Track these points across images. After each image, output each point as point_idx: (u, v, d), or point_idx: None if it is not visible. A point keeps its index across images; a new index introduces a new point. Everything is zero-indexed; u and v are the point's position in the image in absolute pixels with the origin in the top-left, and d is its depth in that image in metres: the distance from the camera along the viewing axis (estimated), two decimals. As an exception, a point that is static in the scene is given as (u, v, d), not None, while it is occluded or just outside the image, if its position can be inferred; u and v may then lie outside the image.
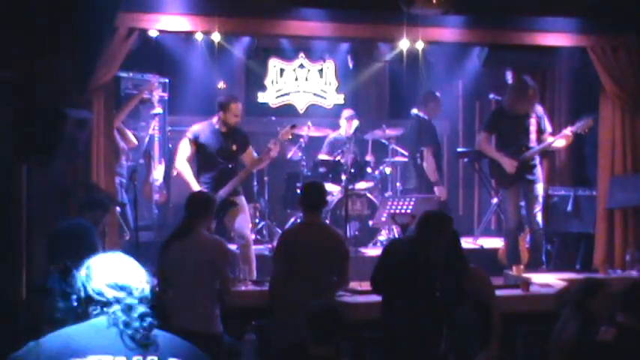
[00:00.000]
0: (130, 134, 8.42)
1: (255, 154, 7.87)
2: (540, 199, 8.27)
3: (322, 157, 9.35)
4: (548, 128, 8.21)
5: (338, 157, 9.03)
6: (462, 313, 5.53)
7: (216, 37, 7.86)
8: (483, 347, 5.40)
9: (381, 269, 5.71)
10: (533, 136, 8.07)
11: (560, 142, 8.22)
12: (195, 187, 7.41)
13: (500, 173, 8.23)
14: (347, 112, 9.74)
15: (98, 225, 6.51)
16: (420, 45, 8.28)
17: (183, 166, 7.57)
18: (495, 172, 8.46)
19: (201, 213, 5.79)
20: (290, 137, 8.07)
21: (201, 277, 5.60)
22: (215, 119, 7.63)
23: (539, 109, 8.22)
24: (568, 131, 8.13)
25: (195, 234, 5.68)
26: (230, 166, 7.58)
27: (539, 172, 8.21)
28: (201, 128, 7.64)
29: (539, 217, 8.26)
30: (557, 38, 8.51)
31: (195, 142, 7.57)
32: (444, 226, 5.55)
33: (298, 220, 8.42)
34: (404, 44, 8.25)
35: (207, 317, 5.60)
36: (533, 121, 8.09)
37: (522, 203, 8.44)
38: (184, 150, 7.60)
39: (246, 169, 7.65)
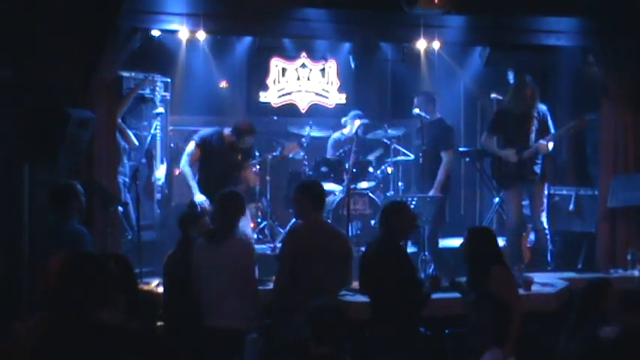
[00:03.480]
0: (130, 134, 8.43)
1: (253, 168, 7.94)
2: (544, 199, 8.23)
3: (329, 157, 9.35)
4: (552, 128, 8.12)
5: (340, 157, 9.04)
6: (475, 314, 5.57)
7: (218, 36, 7.89)
8: (496, 346, 5.44)
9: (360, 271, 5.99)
10: (533, 136, 8.02)
11: (549, 146, 8.11)
12: (197, 192, 7.47)
13: (501, 173, 8.20)
14: (353, 112, 9.76)
15: (81, 213, 6.27)
16: (422, 45, 8.28)
17: (186, 169, 7.63)
18: (496, 172, 8.43)
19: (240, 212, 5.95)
20: (293, 155, 8.15)
21: (231, 277, 5.66)
22: (227, 132, 7.70)
23: (543, 108, 8.13)
24: (543, 142, 8.00)
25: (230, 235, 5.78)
26: (234, 174, 7.66)
27: (540, 172, 8.15)
28: (209, 135, 7.71)
29: (543, 217, 8.23)
30: (558, 38, 8.52)
31: (201, 147, 7.62)
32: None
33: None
34: (406, 44, 8.26)
35: (233, 314, 5.66)
36: (535, 121, 8.03)
37: (525, 203, 8.42)
38: (190, 153, 7.66)
39: (245, 183, 7.71)
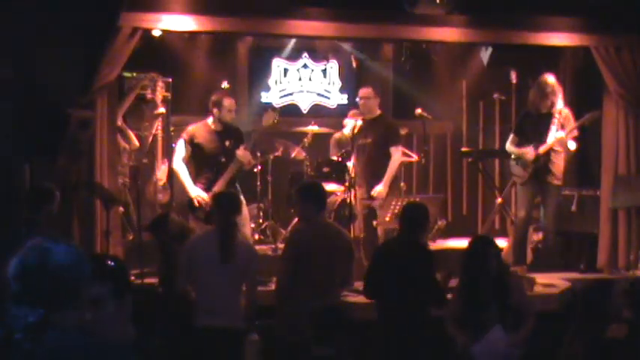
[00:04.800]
0: (131, 135, 8.41)
1: (247, 152, 7.81)
2: (556, 200, 8.17)
3: (333, 157, 9.31)
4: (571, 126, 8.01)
5: (341, 158, 9.01)
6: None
7: (219, 36, 7.88)
8: None
9: (373, 274, 5.88)
10: (551, 134, 7.93)
11: (570, 144, 8.05)
12: (191, 187, 7.46)
13: (518, 169, 8.13)
14: (352, 112, 9.70)
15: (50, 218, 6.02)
16: (423, 45, 8.27)
17: (179, 166, 7.62)
18: (514, 168, 8.31)
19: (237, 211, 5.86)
20: (275, 121, 7.99)
21: (232, 278, 5.59)
22: (210, 119, 7.66)
23: (566, 111, 8.04)
24: (561, 136, 7.91)
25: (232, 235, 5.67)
26: (223, 160, 7.61)
27: (556, 172, 8.06)
28: (196, 128, 7.69)
29: (553, 218, 8.16)
30: (560, 38, 8.49)
31: (190, 142, 7.60)
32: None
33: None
34: (407, 44, 8.25)
35: (230, 313, 5.56)
36: (555, 120, 7.95)
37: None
38: (180, 151, 7.64)
39: (236, 160, 7.61)
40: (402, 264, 5.76)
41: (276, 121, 7.98)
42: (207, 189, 7.49)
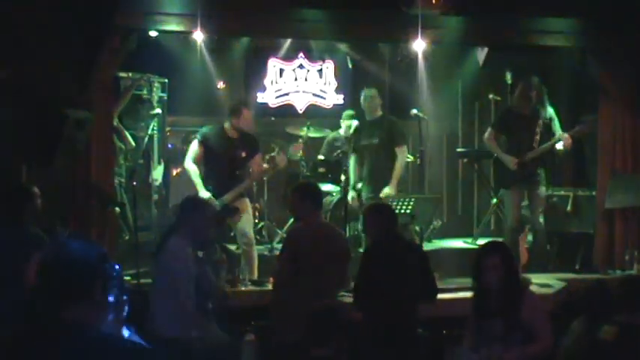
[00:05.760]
0: (127, 135, 8.40)
1: (263, 163, 7.81)
2: (543, 201, 8.16)
3: (321, 157, 9.33)
4: (559, 131, 7.99)
5: (337, 158, 9.02)
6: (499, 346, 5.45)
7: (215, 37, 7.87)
8: None
9: (364, 279, 5.76)
10: (537, 137, 7.93)
11: (559, 146, 8.06)
12: (201, 189, 7.35)
13: (502, 172, 8.10)
14: (347, 113, 9.70)
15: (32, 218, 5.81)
16: (419, 45, 8.27)
17: (191, 167, 7.49)
18: (497, 170, 8.31)
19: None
20: (300, 155, 8.02)
21: (159, 281, 5.52)
22: (227, 124, 7.54)
23: (550, 111, 8.03)
24: (566, 135, 7.92)
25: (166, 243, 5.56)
26: (237, 172, 7.53)
27: (543, 173, 8.06)
28: (211, 131, 7.54)
29: (541, 218, 8.16)
30: (556, 39, 8.51)
31: (204, 144, 7.48)
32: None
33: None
34: (403, 45, 8.25)
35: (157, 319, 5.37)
36: (540, 122, 7.93)
37: (524, 203, 8.38)
38: (193, 151, 7.52)
39: (252, 176, 7.59)
40: (393, 264, 5.71)
41: (301, 154, 7.98)
42: (215, 195, 7.38)
